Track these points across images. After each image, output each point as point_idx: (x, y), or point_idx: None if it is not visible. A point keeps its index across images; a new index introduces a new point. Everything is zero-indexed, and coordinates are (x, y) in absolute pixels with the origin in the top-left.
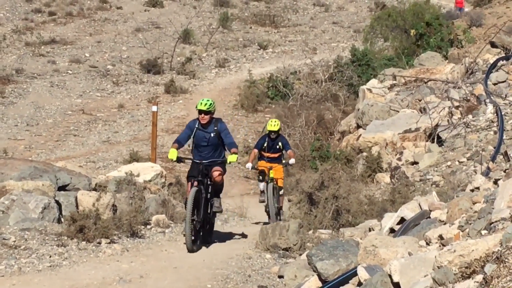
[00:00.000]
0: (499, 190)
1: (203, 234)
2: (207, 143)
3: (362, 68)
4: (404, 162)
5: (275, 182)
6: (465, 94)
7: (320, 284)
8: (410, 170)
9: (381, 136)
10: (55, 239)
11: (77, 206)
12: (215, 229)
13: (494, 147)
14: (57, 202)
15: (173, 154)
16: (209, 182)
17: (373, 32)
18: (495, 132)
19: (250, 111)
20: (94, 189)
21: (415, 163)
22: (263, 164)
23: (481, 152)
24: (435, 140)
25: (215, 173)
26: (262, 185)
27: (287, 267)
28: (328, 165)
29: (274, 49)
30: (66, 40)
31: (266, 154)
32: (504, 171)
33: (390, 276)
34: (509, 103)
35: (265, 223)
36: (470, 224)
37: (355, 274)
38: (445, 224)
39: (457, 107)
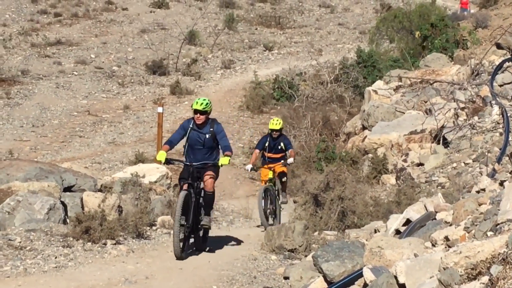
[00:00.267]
0: (505, 192)
1: (195, 241)
2: (202, 145)
3: (368, 69)
4: (409, 164)
5: (274, 184)
6: (471, 95)
7: (325, 286)
8: (416, 172)
9: (386, 138)
10: (61, 240)
11: (82, 207)
12: (220, 230)
13: (500, 149)
14: (62, 203)
15: (161, 155)
16: (200, 186)
17: (379, 34)
18: (500, 134)
19: (255, 113)
20: (100, 190)
21: (420, 164)
22: (265, 175)
23: (486, 153)
24: (441, 141)
25: (206, 177)
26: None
27: (293, 268)
28: (333, 166)
29: (280, 51)
30: (71, 41)
31: (268, 155)
32: (510, 173)
33: (395, 277)
34: None
35: (270, 225)
36: (476, 225)
37: (360, 275)
38: (451, 225)
39: (462, 109)
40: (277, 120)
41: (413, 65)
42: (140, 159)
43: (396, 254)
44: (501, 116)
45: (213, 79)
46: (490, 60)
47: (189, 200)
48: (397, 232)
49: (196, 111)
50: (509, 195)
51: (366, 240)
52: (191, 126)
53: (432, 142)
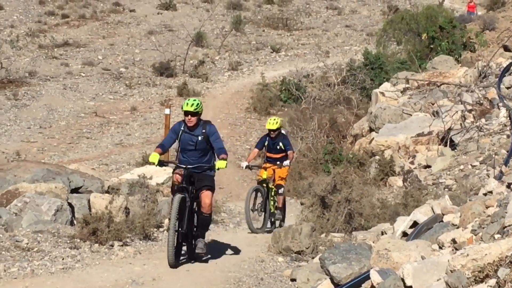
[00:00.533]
0: None
1: (188, 248)
2: (194, 148)
3: (375, 71)
4: (416, 166)
5: (266, 184)
6: (478, 97)
7: None
8: (423, 174)
9: (393, 140)
10: (68, 241)
11: (89, 209)
12: (227, 232)
13: (507, 151)
14: (69, 204)
15: (154, 157)
16: (194, 192)
17: (386, 36)
18: (508, 136)
19: (262, 114)
20: (107, 192)
21: (427, 166)
22: (261, 174)
23: (494, 156)
24: (448, 143)
25: (204, 194)
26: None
27: (300, 270)
28: (340, 168)
29: (287, 52)
30: (79, 42)
31: (268, 154)
32: None
33: (402, 280)
34: None
35: (257, 228)
36: (483, 228)
37: (367, 277)
38: (458, 228)
39: (470, 111)
40: (274, 120)
41: (420, 67)
42: (147, 160)
43: (403, 256)
44: (508, 118)
45: (220, 81)
46: (497, 62)
47: (184, 205)
48: (404, 234)
49: (186, 113)
50: None
51: (373, 243)
52: (182, 128)
53: (439, 144)
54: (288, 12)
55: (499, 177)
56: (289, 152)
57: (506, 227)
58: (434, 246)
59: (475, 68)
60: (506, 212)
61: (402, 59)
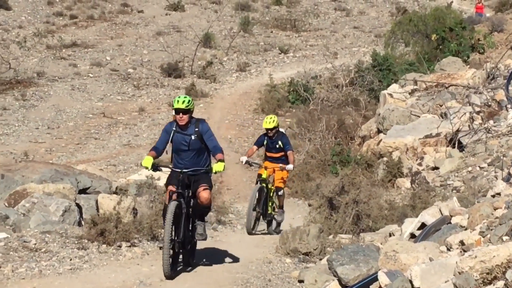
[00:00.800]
0: None
1: (183, 256)
2: (187, 148)
3: (383, 73)
4: (424, 167)
5: (266, 185)
6: (486, 99)
7: None
8: (431, 175)
9: (401, 141)
10: (76, 242)
11: (97, 209)
12: (235, 233)
13: None
14: (77, 205)
15: (147, 161)
16: (190, 194)
17: (394, 37)
18: None
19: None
20: (115, 193)
21: (435, 168)
22: (262, 172)
23: (502, 157)
24: (456, 145)
25: (201, 189)
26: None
27: (307, 271)
28: (348, 169)
29: (295, 54)
30: (87, 43)
31: (268, 154)
32: None
33: (410, 281)
34: None
35: (253, 231)
36: (491, 230)
37: (375, 279)
38: (466, 229)
39: (478, 113)
40: (271, 118)
41: (429, 69)
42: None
43: (411, 258)
44: None
45: (228, 82)
46: (505, 64)
47: (180, 212)
48: (412, 236)
49: (178, 111)
50: None
51: (381, 244)
52: (174, 128)
53: (447, 146)
54: (296, 13)
55: (507, 179)
56: (288, 152)
57: None
58: (442, 247)
59: (483, 69)
60: None
61: (410, 60)
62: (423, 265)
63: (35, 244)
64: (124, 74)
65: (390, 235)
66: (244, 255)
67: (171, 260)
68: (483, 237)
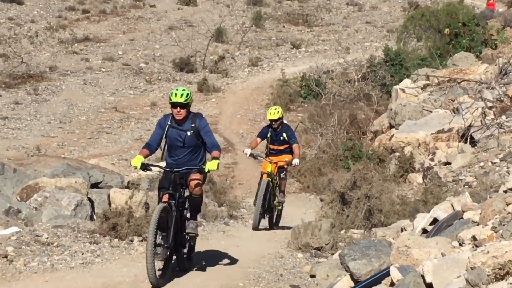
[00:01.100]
0: None
1: (178, 260)
2: (182, 144)
3: (395, 68)
4: (436, 163)
5: (272, 179)
6: (499, 94)
7: (352, 284)
8: (443, 171)
9: (413, 136)
10: (88, 236)
11: (109, 204)
12: (247, 228)
13: None
14: (89, 199)
15: (136, 161)
16: (184, 195)
17: (407, 32)
18: None
19: (282, 110)
20: (127, 187)
21: (447, 163)
22: (265, 168)
23: None
24: (468, 140)
25: (192, 182)
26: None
27: (319, 266)
28: (360, 165)
29: (307, 48)
30: (99, 37)
31: (271, 146)
32: None
33: (423, 276)
34: None
35: (259, 226)
36: (504, 225)
37: (387, 274)
38: (478, 225)
39: (490, 108)
40: (275, 109)
41: (441, 64)
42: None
43: (423, 253)
44: None
45: (240, 77)
46: None
47: (168, 215)
48: (424, 231)
49: (175, 105)
50: None
51: (393, 239)
52: (169, 123)
53: (460, 141)
54: (308, 8)
55: None
56: (294, 145)
57: None
58: (454, 243)
59: (495, 65)
60: None
61: (422, 55)
62: (435, 260)
63: (47, 238)
64: (136, 69)
65: (402, 230)
66: (255, 250)
67: (162, 265)
68: (495, 232)
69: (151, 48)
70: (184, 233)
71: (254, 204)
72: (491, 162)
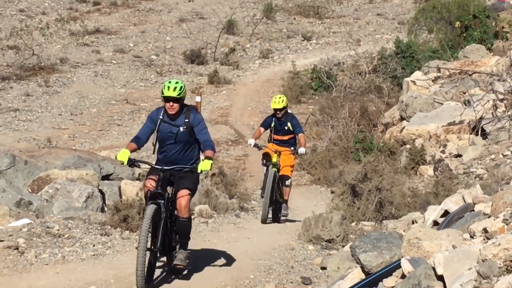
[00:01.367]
0: None
1: (169, 260)
2: (173, 140)
3: (406, 60)
4: (447, 155)
5: (278, 169)
6: (510, 87)
7: (363, 276)
8: (454, 163)
9: (424, 129)
10: (99, 228)
11: (120, 196)
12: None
13: None
14: (100, 191)
15: (123, 155)
16: (172, 194)
17: (418, 24)
18: None
19: (293, 102)
20: (138, 179)
21: (458, 155)
22: (270, 147)
23: None
24: (479, 133)
25: (181, 201)
26: (265, 171)
27: (330, 258)
28: (371, 157)
29: (318, 41)
30: (110, 30)
31: (275, 137)
32: None
33: (434, 268)
34: None
35: (268, 219)
36: None
37: (398, 266)
38: (489, 217)
39: (501, 100)
40: (280, 98)
41: (452, 56)
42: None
43: (434, 245)
44: None
45: (251, 69)
46: None
47: (159, 217)
48: (435, 223)
49: (167, 99)
50: None
51: (404, 231)
52: (161, 117)
53: (471, 134)
54: (319, 0)
55: None
56: (300, 135)
57: None
58: (465, 235)
59: (507, 57)
60: None
61: (433, 47)
62: (446, 252)
63: (58, 230)
64: (147, 61)
65: (413, 223)
66: (266, 242)
67: (147, 271)
68: (507, 224)
69: (162, 40)
70: (174, 236)
71: (262, 196)
72: (502, 154)
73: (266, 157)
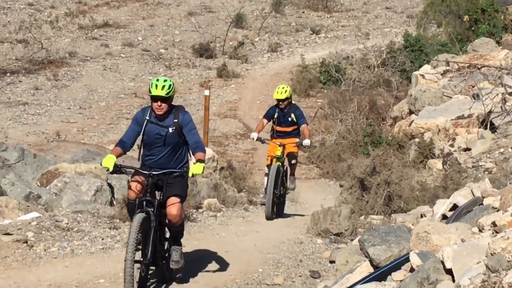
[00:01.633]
0: None
1: (159, 271)
2: (162, 142)
3: (415, 53)
4: (456, 149)
5: (282, 163)
6: None
7: (372, 270)
8: (463, 157)
9: (433, 122)
10: (108, 221)
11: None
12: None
13: None
14: (109, 185)
15: (108, 161)
16: (161, 199)
17: (427, 18)
18: None
19: (302, 96)
20: None
21: (467, 149)
22: (272, 152)
23: None
24: (488, 126)
25: (171, 209)
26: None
27: (339, 252)
28: (380, 150)
29: (327, 34)
30: (119, 23)
31: (278, 128)
32: None
33: (442, 262)
34: None
35: (273, 215)
36: None
37: (407, 260)
38: (498, 211)
39: (510, 94)
40: (283, 88)
41: (461, 50)
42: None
43: (443, 239)
44: None
45: (259, 63)
46: None
47: (148, 226)
48: (444, 217)
49: (155, 98)
50: None
51: (413, 225)
52: (147, 117)
53: (479, 127)
54: None
55: None
56: (303, 126)
57: None
58: (474, 229)
59: None
60: None
61: (442, 41)
62: (455, 246)
63: (67, 223)
64: (156, 55)
65: (421, 216)
66: (275, 236)
67: (138, 285)
68: None
69: (170, 33)
70: (166, 275)
71: (265, 192)
72: (511, 148)
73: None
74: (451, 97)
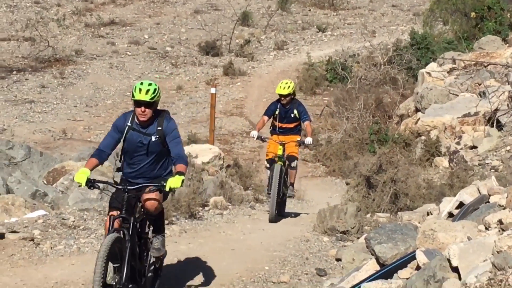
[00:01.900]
0: None
1: (142, 285)
2: (145, 151)
3: (421, 51)
4: (463, 146)
5: (284, 163)
6: None
7: (378, 268)
8: (469, 155)
9: (440, 120)
10: None
11: None
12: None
13: None
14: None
15: (80, 176)
16: (141, 213)
17: (433, 15)
18: None
19: (308, 94)
20: None
21: (474, 147)
22: (272, 149)
23: None
24: (495, 124)
25: (149, 204)
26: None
27: (345, 250)
28: (386, 148)
29: (333, 32)
30: (125, 21)
31: (279, 124)
32: None
33: (449, 260)
34: None
35: (278, 216)
36: None
37: (413, 258)
38: (504, 208)
39: None
40: (286, 83)
41: (467, 48)
42: (192, 139)
43: (449, 237)
44: None
45: (266, 60)
46: None
47: (123, 246)
48: (450, 215)
49: (138, 103)
50: None
51: (419, 223)
52: (129, 124)
53: (486, 125)
54: None
55: None
56: (306, 123)
57: None
58: (481, 227)
59: None
60: None
61: (448, 39)
62: (461, 244)
63: (74, 221)
64: (162, 53)
65: (428, 214)
66: (281, 234)
67: None
68: None
69: (177, 31)
70: (147, 259)
71: (268, 193)
72: None
73: (270, 163)
74: (458, 95)
